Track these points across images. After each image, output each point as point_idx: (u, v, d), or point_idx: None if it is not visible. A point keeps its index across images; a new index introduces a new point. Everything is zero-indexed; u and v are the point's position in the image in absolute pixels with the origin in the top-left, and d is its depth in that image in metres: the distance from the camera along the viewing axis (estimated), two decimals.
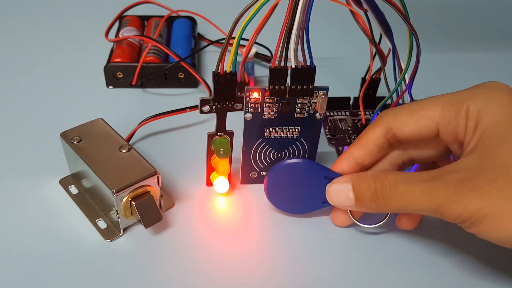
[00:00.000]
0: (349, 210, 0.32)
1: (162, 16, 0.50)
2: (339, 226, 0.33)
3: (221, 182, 0.34)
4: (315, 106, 0.32)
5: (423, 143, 0.31)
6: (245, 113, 0.32)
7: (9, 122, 0.41)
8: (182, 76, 0.45)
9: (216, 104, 0.31)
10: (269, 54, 0.49)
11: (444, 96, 0.29)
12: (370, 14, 0.31)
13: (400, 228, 0.32)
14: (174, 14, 0.51)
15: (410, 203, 0.27)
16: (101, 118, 0.35)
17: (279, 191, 0.32)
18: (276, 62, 0.30)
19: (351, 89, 0.42)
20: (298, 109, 0.32)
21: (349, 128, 0.41)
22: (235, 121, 0.33)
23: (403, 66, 0.33)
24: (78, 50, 0.51)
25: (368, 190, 0.29)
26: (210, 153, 0.34)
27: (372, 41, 0.33)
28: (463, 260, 0.31)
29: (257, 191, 0.35)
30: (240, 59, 0.34)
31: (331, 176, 0.31)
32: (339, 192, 0.30)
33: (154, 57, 0.45)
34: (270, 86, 0.31)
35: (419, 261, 0.31)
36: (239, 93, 0.31)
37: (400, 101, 0.35)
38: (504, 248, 0.25)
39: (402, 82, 0.34)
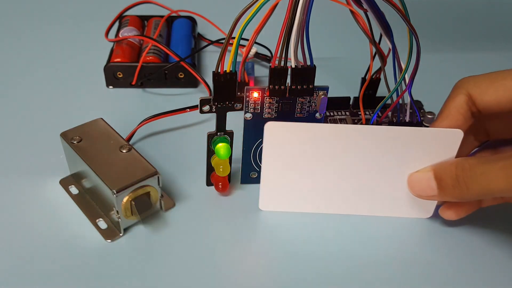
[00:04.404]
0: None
1: (162, 16, 0.50)
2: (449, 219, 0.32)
3: (221, 182, 0.34)
4: (315, 106, 0.32)
5: (502, 116, 0.30)
6: (245, 113, 0.32)
7: (9, 122, 0.41)
8: (182, 76, 0.45)
9: (216, 104, 0.31)
10: (269, 54, 0.49)
11: None
12: (370, 14, 0.31)
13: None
14: (174, 14, 0.51)
15: (490, 183, 0.26)
16: (101, 118, 0.35)
17: None
18: (276, 62, 0.30)
19: (351, 89, 0.42)
20: (298, 109, 0.32)
21: None
22: (235, 121, 0.33)
23: (403, 66, 0.33)
24: (78, 50, 0.51)
25: (450, 176, 0.28)
26: (210, 153, 0.34)
27: (372, 41, 0.33)
28: None
29: (257, 191, 0.35)
30: (240, 59, 0.34)
31: None
32: (420, 181, 0.30)
33: (154, 57, 0.45)
34: (270, 86, 0.31)
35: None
36: (239, 93, 0.31)
37: (400, 101, 0.35)
38: None
39: (402, 82, 0.33)
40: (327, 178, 0.32)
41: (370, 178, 0.32)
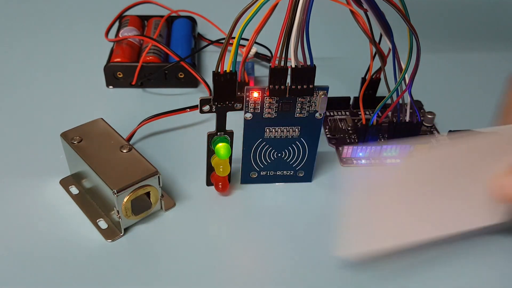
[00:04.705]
0: None
1: (162, 16, 0.50)
2: None
3: (221, 182, 0.34)
4: (315, 106, 0.32)
5: None
6: (245, 113, 0.32)
7: (9, 122, 0.41)
8: (182, 76, 0.45)
9: (216, 103, 0.31)
10: (269, 54, 0.49)
11: None
12: (370, 14, 0.31)
13: None
14: (174, 14, 0.51)
15: None
16: (101, 118, 0.35)
17: None
18: (276, 62, 0.30)
19: (351, 89, 0.42)
20: (298, 109, 0.32)
21: (349, 128, 0.41)
22: (235, 121, 0.33)
23: (403, 66, 0.33)
24: (78, 50, 0.51)
25: None
26: (210, 153, 0.34)
27: (372, 41, 0.33)
28: None
29: (257, 191, 0.35)
30: (240, 59, 0.34)
31: None
32: (507, 184, 0.27)
33: (154, 57, 0.45)
34: (270, 86, 0.31)
35: None
36: (239, 93, 0.31)
37: (400, 101, 0.35)
38: None
39: (402, 82, 0.34)
40: (416, 205, 0.29)
41: (450, 193, 0.29)
